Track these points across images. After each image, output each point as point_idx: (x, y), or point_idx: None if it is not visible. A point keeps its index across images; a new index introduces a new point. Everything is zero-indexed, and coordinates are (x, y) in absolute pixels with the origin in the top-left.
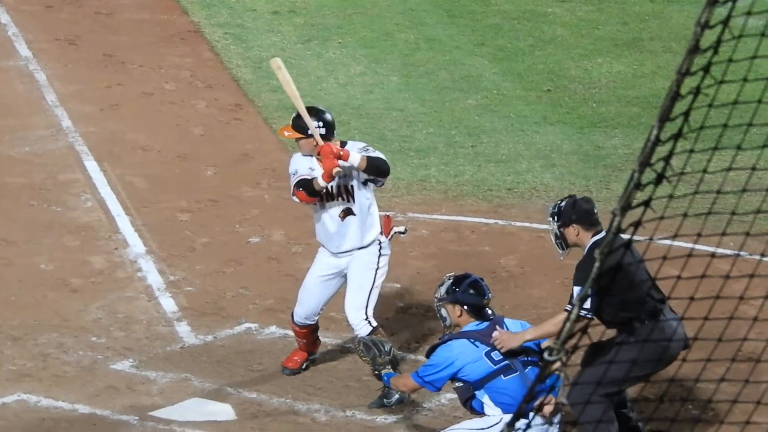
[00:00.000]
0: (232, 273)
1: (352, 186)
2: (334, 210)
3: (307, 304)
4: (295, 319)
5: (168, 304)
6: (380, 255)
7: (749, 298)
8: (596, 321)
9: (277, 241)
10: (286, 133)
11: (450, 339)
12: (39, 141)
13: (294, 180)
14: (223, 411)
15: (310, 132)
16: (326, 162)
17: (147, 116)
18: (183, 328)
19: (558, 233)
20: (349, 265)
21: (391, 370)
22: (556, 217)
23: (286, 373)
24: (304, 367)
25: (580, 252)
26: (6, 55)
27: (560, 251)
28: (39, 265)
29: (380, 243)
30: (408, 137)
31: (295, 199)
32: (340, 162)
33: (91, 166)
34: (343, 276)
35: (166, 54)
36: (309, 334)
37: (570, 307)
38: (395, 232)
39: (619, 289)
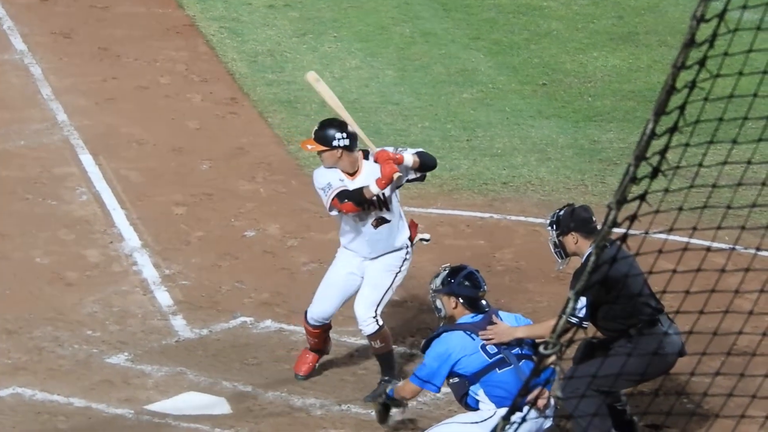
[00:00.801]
0: (227, 267)
1: (384, 193)
2: (370, 219)
3: (326, 305)
4: (309, 319)
5: (163, 297)
6: (405, 260)
7: (744, 292)
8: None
9: (273, 235)
10: (309, 147)
11: (444, 331)
12: (34, 134)
13: (332, 193)
14: (219, 405)
15: (335, 144)
16: (386, 167)
17: (142, 110)
18: (178, 322)
19: (557, 242)
20: (372, 264)
21: (390, 386)
22: (554, 226)
23: (299, 378)
24: (316, 367)
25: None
26: (1, 48)
27: (559, 260)
28: (34, 258)
29: (408, 248)
30: (403, 131)
31: (333, 212)
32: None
33: (87, 159)
34: (363, 276)
35: (162, 48)
36: (322, 333)
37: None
38: (420, 239)
39: (616, 298)
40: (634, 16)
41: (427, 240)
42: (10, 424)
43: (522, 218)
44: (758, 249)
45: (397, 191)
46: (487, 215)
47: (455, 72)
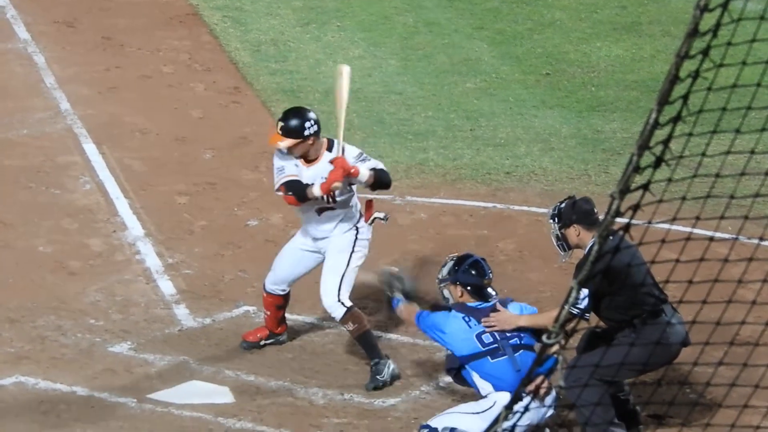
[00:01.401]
0: (230, 256)
1: (323, 197)
2: (314, 206)
3: (279, 271)
4: (266, 285)
5: (166, 286)
6: (356, 239)
7: (747, 282)
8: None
9: (276, 224)
10: (281, 144)
11: (452, 309)
12: (37, 123)
13: (283, 179)
14: (221, 393)
15: (306, 134)
16: (332, 175)
17: (145, 99)
18: (181, 311)
19: (559, 235)
20: (328, 248)
21: (403, 297)
22: (556, 219)
23: (243, 346)
24: (261, 344)
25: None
26: (4, 37)
27: (562, 253)
28: (37, 247)
29: (357, 228)
30: (407, 121)
31: (279, 194)
32: (353, 177)
33: (90, 148)
34: (320, 255)
35: (165, 37)
36: (275, 307)
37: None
38: (375, 218)
39: (620, 288)
40: (637, 5)
41: (383, 219)
42: (13, 413)
43: (525, 208)
44: (761, 239)
45: (354, 187)
46: (490, 205)
47: (458, 62)
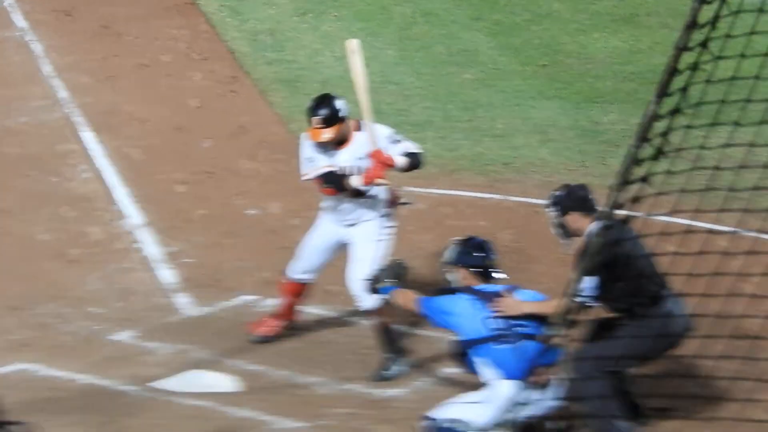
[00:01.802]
0: (229, 245)
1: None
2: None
3: (307, 258)
4: (290, 273)
5: (166, 275)
6: (385, 226)
7: (747, 275)
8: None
9: (275, 214)
10: (326, 135)
11: (459, 292)
12: (35, 111)
13: (316, 171)
14: (221, 382)
15: (341, 115)
16: (374, 170)
17: (143, 88)
18: (181, 300)
19: (557, 223)
20: (354, 236)
21: (393, 285)
22: (553, 207)
23: (252, 339)
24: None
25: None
26: (2, 25)
27: (563, 241)
28: (36, 235)
29: (386, 215)
30: (404, 111)
31: (307, 179)
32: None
33: (88, 137)
34: (344, 243)
35: (163, 26)
36: (296, 295)
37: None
38: (401, 202)
39: (621, 277)
40: None
41: (407, 203)
42: (14, 401)
43: (523, 199)
44: (761, 232)
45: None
46: (488, 196)
47: (456, 52)
